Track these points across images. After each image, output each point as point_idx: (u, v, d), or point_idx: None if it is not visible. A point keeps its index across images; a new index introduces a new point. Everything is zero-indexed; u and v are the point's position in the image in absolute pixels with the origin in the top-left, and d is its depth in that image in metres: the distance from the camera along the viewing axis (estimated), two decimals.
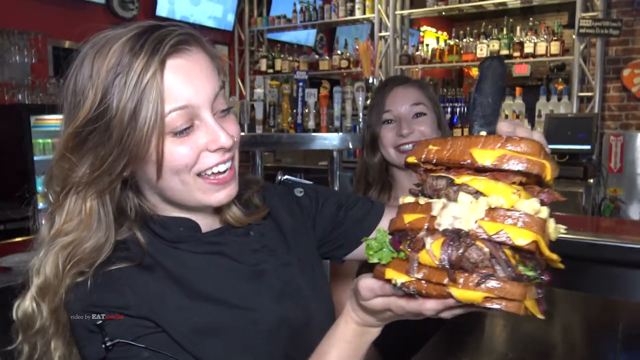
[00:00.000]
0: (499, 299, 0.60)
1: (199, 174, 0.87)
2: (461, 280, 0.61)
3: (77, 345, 0.86)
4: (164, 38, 0.82)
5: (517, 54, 5.30)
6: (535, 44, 5.17)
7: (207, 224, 0.98)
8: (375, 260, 0.70)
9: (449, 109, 5.80)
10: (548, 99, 5.13)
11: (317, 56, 6.70)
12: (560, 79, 6.41)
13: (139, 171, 0.88)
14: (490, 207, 0.61)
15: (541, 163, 0.62)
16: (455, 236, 0.61)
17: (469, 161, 0.63)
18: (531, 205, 0.61)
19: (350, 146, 3.62)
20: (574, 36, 4.96)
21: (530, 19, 5.74)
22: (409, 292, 0.65)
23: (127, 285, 0.85)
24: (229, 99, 4.58)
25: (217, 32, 6.76)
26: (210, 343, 0.87)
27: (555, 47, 5.08)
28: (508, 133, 0.68)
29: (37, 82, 4.57)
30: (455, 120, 5.70)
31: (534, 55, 5.22)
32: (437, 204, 0.64)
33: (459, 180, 0.64)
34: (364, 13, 6.16)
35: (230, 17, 6.85)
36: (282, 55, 6.81)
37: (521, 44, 5.26)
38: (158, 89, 0.80)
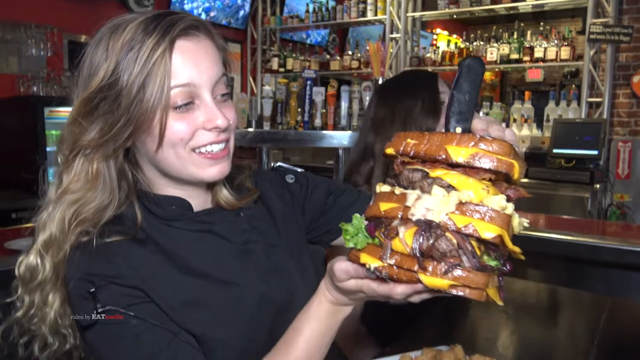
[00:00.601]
0: (463, 287, 0.65)
1: (193, 150, 0.93)
2: (430, 268, 0.66)
3: (71, 308, 0.91)
4: (176, 22, 0.89)
5: (527, 58, 5.31)
6: (545, 48, 5.17)
7: (199, 204, 1.03)
8: (351, 245, 0.75)
9: None
10: (557, 104, 5.13)
11: (328, 56, 6.74)
12: (573, 85, 6.38)
13: (139, 143, 0.94)
14: (461, 202, 0.66)
15: (510, 162, 0.67)
16: (427, 227, 0.66)
17: (443, 156, 0.68)
18: (498, 202, 0.66)
19: None
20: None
21: (542, 23, 5.75)
22: (381, 277, 0.70)
23: (120, 256, 0.90)
24: (239, 95, 4.65)
25: (230, 30, 6.83)
26: (196, 315, 0.92)
27: (565, 53, 5.08)
28: (482, 131, 0.72)
29: (52, 75, 4.66)
30: None
31: (544, 60, 5.22)
32: (412, 195, 0.69)
33: (433, 173, 0.69)
34: (376, 14, 6.19)
35: (244, 16, 6.92)
36: (294, 55, 6.86)
37: (531, 48, 5.26)
38: (166, 66, 0.87)
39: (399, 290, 0.71)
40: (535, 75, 9.29)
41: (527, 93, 5.55)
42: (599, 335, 1.38)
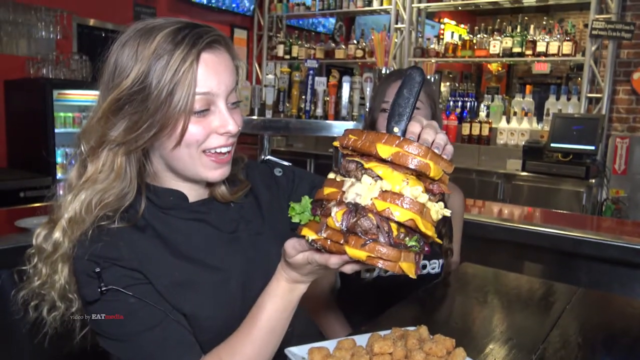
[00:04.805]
0: (378, 259, 0.78)
1: (204, 151, 1.04)
2: (352, 242, 0.79)
3: (76, 284, 1.03)
4: (202, 35, 1.00)
5: (529, 52, 5.36)
6: (547, 43, 5.22)
7: (195, 196, 1.15)
8: (296, 220, 0.89)
9: (460, 103, 5.89)
10: (557, 98, 5.19)
11: (333, 44, 6.81)
12: (579, 79, 6.40)
13: (157, 142, 1.04)
14: (383, 190, 0.79)
15: (425, 163, 0.79)
16: (354, 208, 0.79)
17: (374, 152, 0.81)
18: (412, 192, 0.79)
19: None
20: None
21: (545, 18, 5.78)
22: (317, 247, 0.84)
23: (122, 241, 1.02)
24: (243, 83, 4.74)
25: (237, 16, 6.93)
26: (187, 295, 1.04)
27: (567, 47, 5.12)
28: (412, 134, 0.85)
29: (61, 58, 4.78)
30: (465, 114, 5.80)
31: (546, 54, 5.27)
32: (347, 182, 0.83)
33: (367, 165, 0.82)
34: (382, 4, 6.24)
35: (251, 3, 7.00)
36: (300, 42, 6.94)
37: (534, 42, 5.31)
38: (193, 75, 0.98)
39: (332, 261, 0.84)
40: (541, 67, 9.31)
41: (528, 87, 5.61)
42: (559, 321, 1.49)
